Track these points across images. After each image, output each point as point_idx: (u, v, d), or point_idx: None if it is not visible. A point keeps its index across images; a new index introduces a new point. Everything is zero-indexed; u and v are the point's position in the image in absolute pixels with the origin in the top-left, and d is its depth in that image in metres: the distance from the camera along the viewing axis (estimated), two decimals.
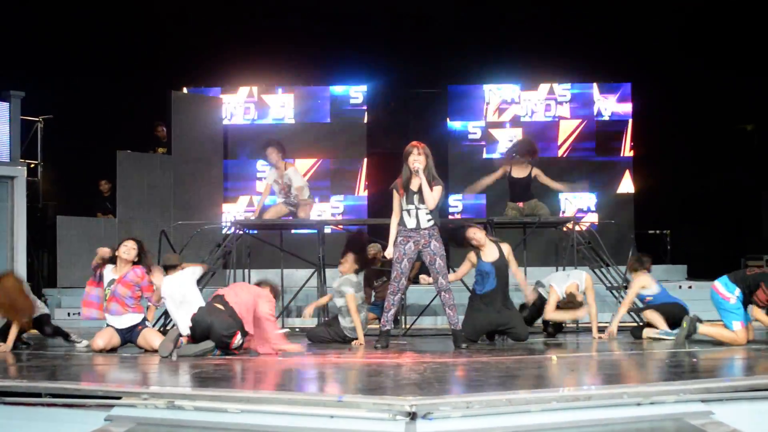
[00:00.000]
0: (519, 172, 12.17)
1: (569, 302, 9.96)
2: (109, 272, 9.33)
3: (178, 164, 15.60)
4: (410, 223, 8.97)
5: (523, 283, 10.08)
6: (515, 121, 17.99)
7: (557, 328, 10.62)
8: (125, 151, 15.19)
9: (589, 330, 10.47)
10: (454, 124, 18.01)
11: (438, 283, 9.07)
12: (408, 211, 8.98)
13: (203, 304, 8.70)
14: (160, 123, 15.97)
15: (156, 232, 12.69)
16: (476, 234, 9.65)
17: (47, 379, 6.45)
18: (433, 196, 8.88)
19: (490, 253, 9.65)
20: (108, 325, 9.19)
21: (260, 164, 17.06)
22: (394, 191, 9.06)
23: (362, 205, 17.77)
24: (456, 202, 17.66)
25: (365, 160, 17.86)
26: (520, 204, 12.21)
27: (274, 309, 8.62)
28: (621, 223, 15.86)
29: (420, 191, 8.91)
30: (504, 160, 12.59)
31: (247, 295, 8.52)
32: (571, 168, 17.83)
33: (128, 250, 9.31)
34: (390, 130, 17.73)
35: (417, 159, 8.89)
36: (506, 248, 9.75)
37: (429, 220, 8.98)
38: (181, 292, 9.08)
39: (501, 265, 9.62)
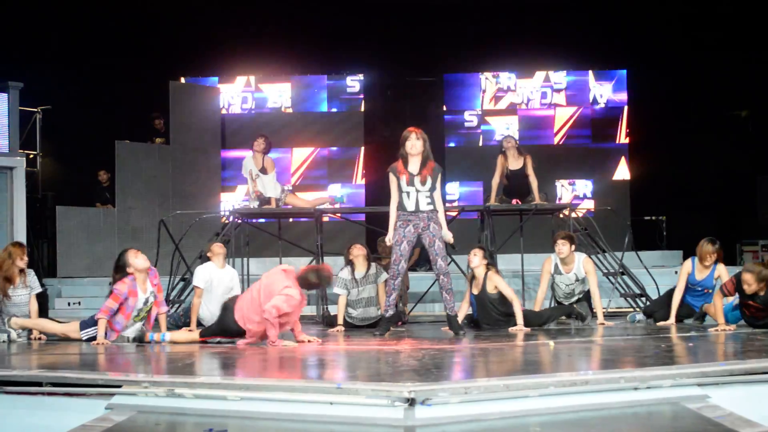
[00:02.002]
0: (514, 164, 12.15)
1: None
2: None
3: (176, 154, 15.61)
4: (409, 205, 8.98)
5: (518, 310, 9.60)
6: (511, 110, 18.05)
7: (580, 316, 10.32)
8: (123, 141, 15.20)
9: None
10: (451, 113, 18.06)
11: (437, 265, 9.08)
12: (407, 193, 8.98)
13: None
14: (157, 114, 15.98)
15: (155, 222, 12.75)
16: (472, 256, 9.73)
17: (48, 368, 6.47)
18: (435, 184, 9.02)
19: (476, 283, 9.74)
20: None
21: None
22: (391, 174, 9.04)
23: (360, 194, 17.81)
24: (453, 190, 17.71)
25: (362, 148, 17.90)
26: (514, 201, 12.24)
27: (280, 308, 8.11)
28: (617, 209, 15.90)
29: (419, 174, 8.95)
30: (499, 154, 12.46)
31: (265, 291, 8.30)
32: (567, 155, 17.90)
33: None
34: (387, 118, 17.76)
35: (415, 144, 8.95)
36: (494, 281, 9.63)
37: (429, 204, 9.00)
38: (229, 286, 10.01)
39: (482, 298, 9.67)
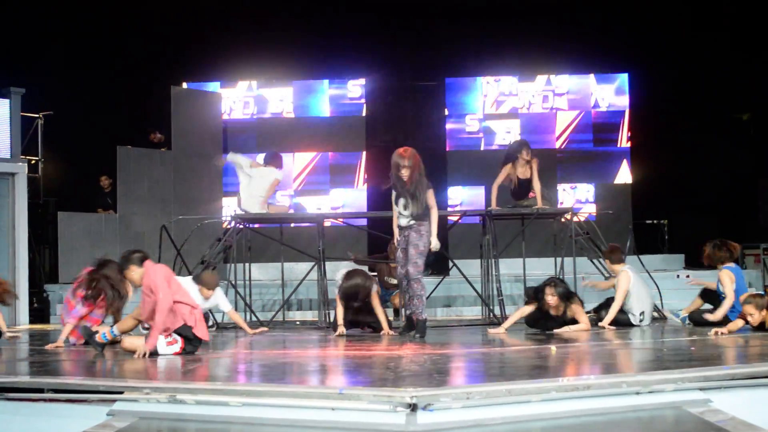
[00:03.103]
0: (524, 172, 11.89)
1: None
2: None
3: (178, 159, 15.60)
4: (401, 224, 9.35)
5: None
6: (513, 114, 18.04)
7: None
8: (125, 146, 15.20)
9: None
10: (452, 117, 18.05)
11: (404, 271, 9.27)
12: (399, 217, 9.35)
13: None
14: (152, 129, 15.94)
15: (157, 227, 12.75)
16: (550, 298, 9.63)
17: (49, 374, 6.47)
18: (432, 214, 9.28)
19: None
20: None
21: (260, 158, 17.09)
22: (393, 191, 9.38)
23: (361, 198, 17.80)
24: (455, 194, 17.69)
25: (364, 153, 17.89)
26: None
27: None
28: (619, 213, 15.90)
29: (409, 199, 9.16)
30: (506, 163, 12.25)
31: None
32: (569, 159, 17.90)
33: None
34: (388, 123, 17.77)
35: (403, 173, 9.09)
36: (574, 311, 9.70)
37: (411, 221, 9.24)
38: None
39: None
